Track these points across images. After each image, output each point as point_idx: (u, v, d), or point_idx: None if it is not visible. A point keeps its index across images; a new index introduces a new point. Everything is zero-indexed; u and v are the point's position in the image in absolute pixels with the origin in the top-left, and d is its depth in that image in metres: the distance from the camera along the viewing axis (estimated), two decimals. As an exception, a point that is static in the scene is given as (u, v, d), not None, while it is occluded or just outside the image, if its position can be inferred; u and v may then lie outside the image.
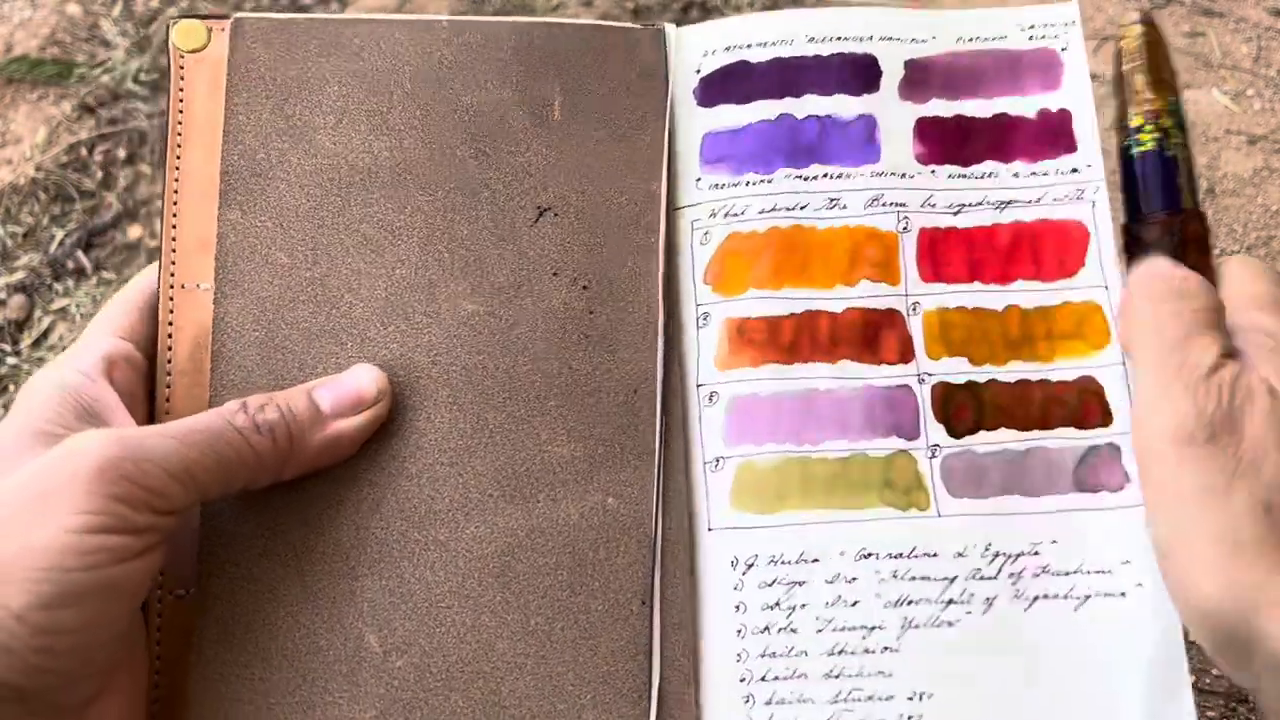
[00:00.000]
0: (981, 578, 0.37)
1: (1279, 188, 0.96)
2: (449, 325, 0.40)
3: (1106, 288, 0.40)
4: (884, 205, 0.41)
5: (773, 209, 0.41)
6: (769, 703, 0.37)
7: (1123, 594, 0.37)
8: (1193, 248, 0.39)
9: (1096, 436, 0.38)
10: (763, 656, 0.37)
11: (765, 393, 0.40)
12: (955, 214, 0.41)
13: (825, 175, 0.41)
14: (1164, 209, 0.39)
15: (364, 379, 0.38)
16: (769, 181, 0.41)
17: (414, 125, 0.42)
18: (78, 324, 0.94)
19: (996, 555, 0.37)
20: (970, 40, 0.42)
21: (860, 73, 0.42)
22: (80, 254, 1.01)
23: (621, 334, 0.40)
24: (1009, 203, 0.41)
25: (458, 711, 0.36)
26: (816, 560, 0.38)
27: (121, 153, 1.09)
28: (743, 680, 0.37)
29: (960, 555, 0.37)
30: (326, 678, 0.36)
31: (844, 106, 0.42)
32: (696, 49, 0.43)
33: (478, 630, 0.37)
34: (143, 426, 0.34)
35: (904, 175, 0.41)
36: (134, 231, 1.03)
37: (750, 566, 0.38)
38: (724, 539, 0.38)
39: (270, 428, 0.35)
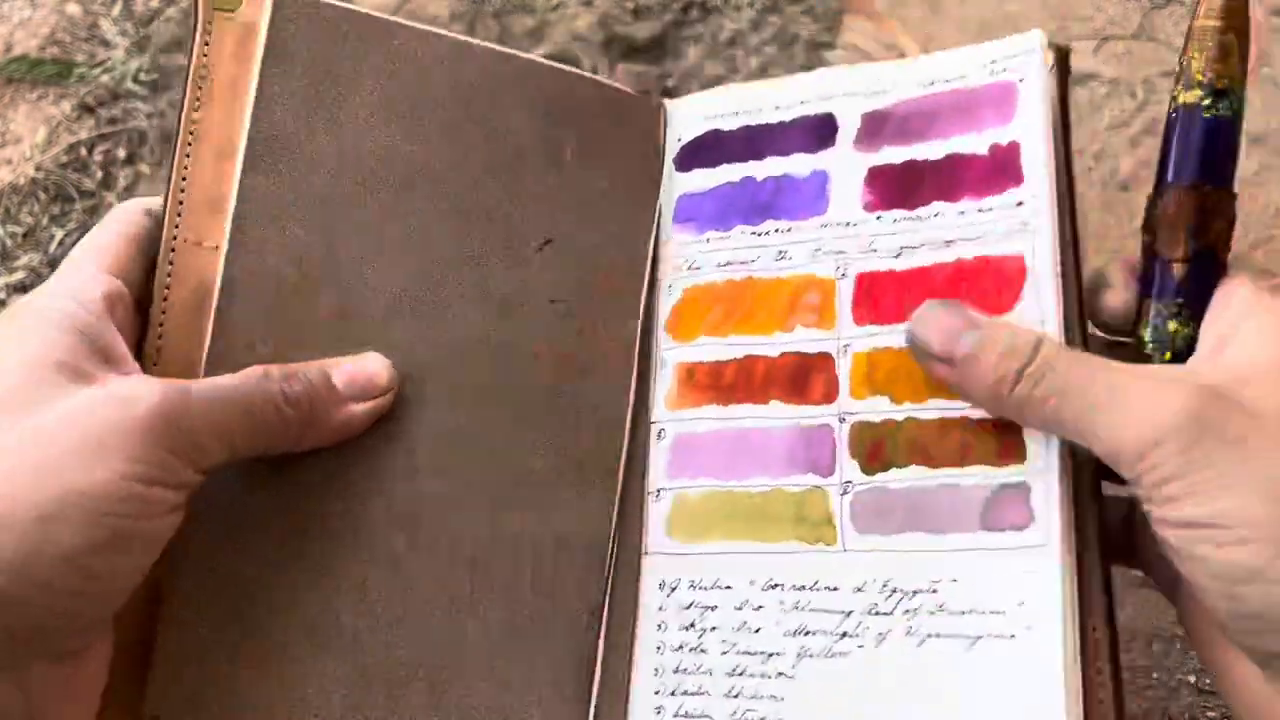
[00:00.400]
0: (877, 613, 0.38)
1: None
2: (451, 330, 0.41)
3: (1043, 323, 0.39)
4: (825, 254, 0.43)
5: (728, 263, 0.45)
6: (676, 715, 0.40)
7: (1012, 636, 0.37)
8: (1223, 229, 0.38)
9: (1009, 475, 0.39)
10: (675, 672, 0.41)
11: (703, 430, 0.43)
12: (896, 256, 0.42)
13: (776, 230, 0.44)
14: (1204, 180, 0.38)
15: (378, 366, 0.40)
16: (726, 238, 0.45)
17: (440, 136, 0.43)
18: (77, 324, 0.94)
19: (894, 591, 0.38)
20: (930, 84, 0.43)
21: (816, 131, 0.44)
22: (80, 254, 1.01)
23: (601, 367, 0.44)
24: (953, 241, 0.42)
25: (419, 695, 0.38)
26: (729, 587, 0.41)
27: (121, 153, 1.09)
28: (657, 693, 0.41)
29: (859, 590, 0.39)
30: (298, 646, 0.37)
31: (800, 165, 0.44)
32: (682, 120, 0.47)
33: (447, 623, 0.39)
34: (184, 381, 0.35)
35: (849, 224, 0.43)
36: (134, 231, 1.03)
37: (674, 589, 0.42)
38: (656, 563, 0.42)
39: (297, 400, 0.37)
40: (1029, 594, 0.37)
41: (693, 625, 0.41)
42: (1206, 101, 0.40)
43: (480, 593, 0.40)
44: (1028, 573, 0.37)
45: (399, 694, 0.38)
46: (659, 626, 0.41)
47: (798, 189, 0.44)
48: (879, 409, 0.41)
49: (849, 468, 0.40)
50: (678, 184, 0.47)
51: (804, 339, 0.43)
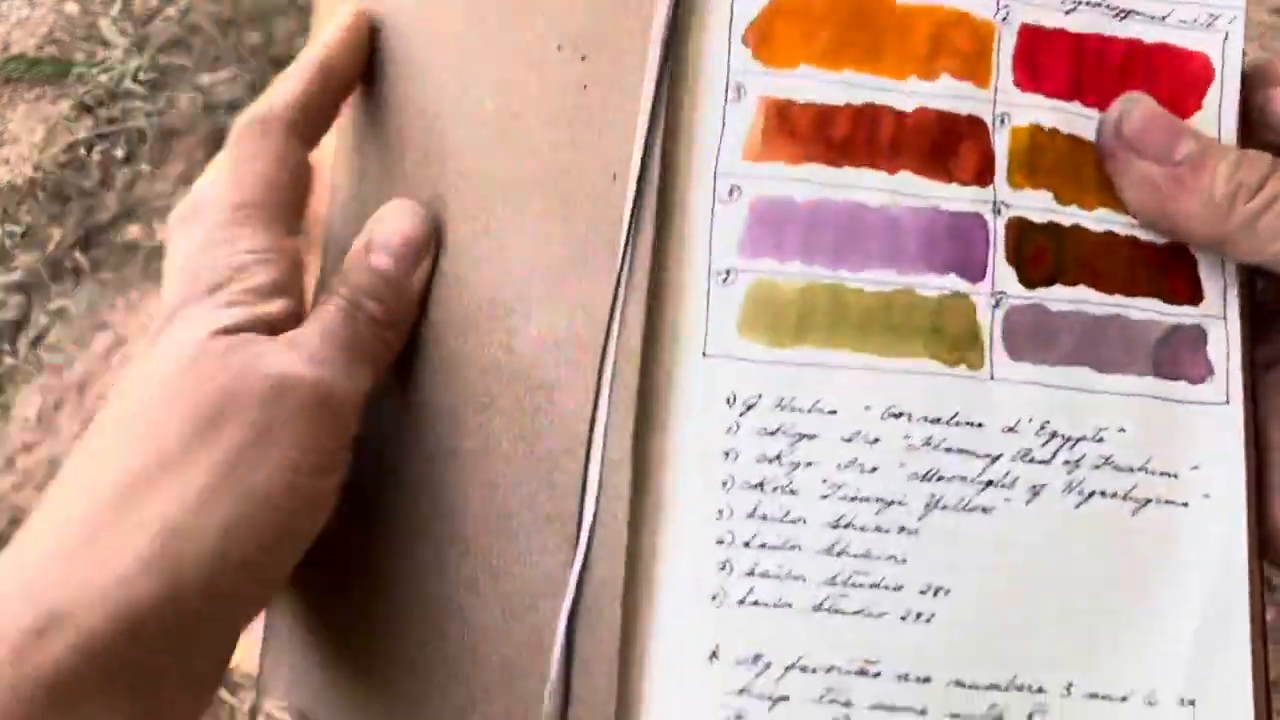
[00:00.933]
0: (1032, 460, 0.31)
1: (1282, 188, 0.95)
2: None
3: (1219, 139, 0.33)
4: None
5: None
6: (750, 573, 0.30)
7: (1185, 504, 0.31)
8: None
9: (1182, 314, 0.32)
10: (750, 517, 0.31)
11: (802, 197, 0.31)
12: (1068, 12, 0.33)
13: None
14: None
15: (407, 220, 0.34)
16: None
17: None
18: (76, 324, 0.93)
19: (1054, 436, 0.31)
20: None
21: None
22: (79, 254, 1.01)
23: (615, 107, 0.33)
24: (1130, 12, 0.33)
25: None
26: (834, 412, 0.31)
27: (120, 152, 1.09)
28: (721, 542, 0.30)
29: (1010, 430, 0.31)
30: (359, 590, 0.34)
31: None
32: None
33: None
34: (307, 346, 0.31)
35: None
36: (133, 231, 1.02)
37: (750, 408, 0.31)
38: (722, 369, 0.31)
39: (390, 321, 0.33)
40: (1206, 457, 0.31)
41: (779, 457, 0.30)
42: None
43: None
44: (1206, 433, 0.31)
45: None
46: (726, 455, 0.30)
47: None
48: (1043, 205, 0.32)
49: (1004, 275, 0.32)
50: None
51: (951, 92, 0.32)
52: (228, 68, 1.16)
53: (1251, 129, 0.34)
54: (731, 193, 0.32)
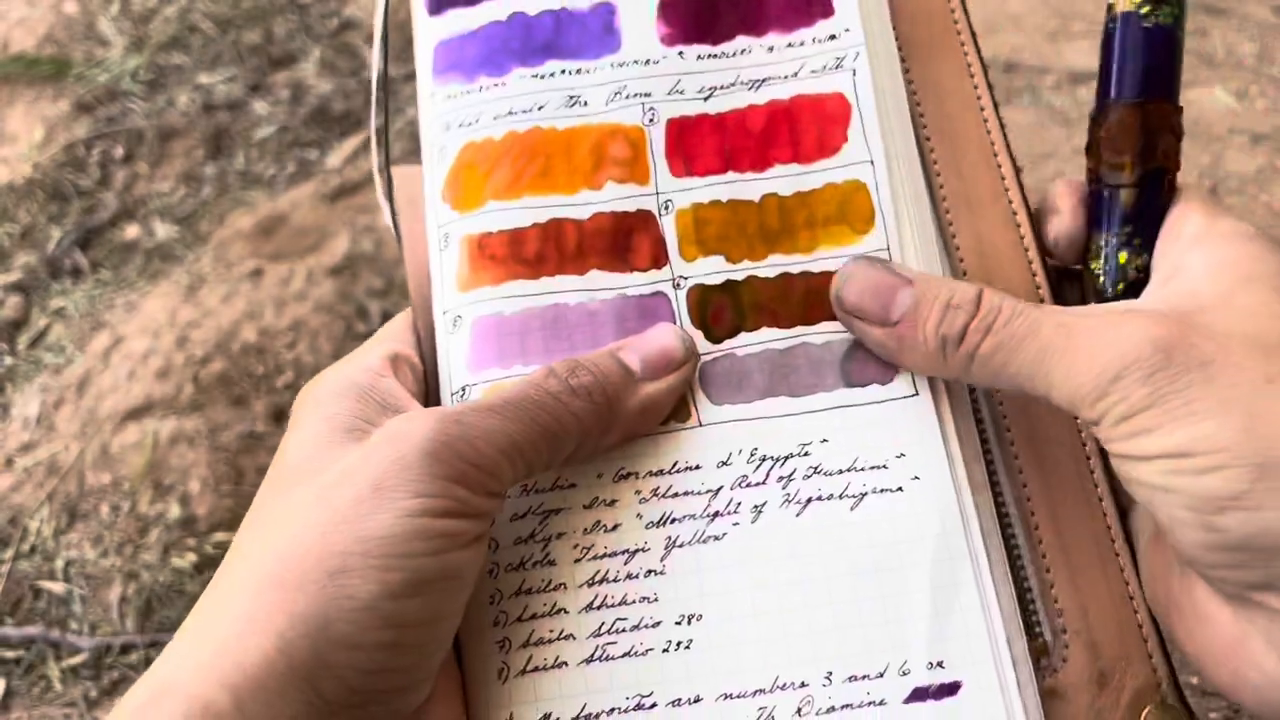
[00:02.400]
0: (749, 485, 0.34)
1: (1282, 187, 0.95)
2: None
3: (872, 163, 0.37)
4: (627, 98, 0.38)
5: (508, 113, 0.38)
6: (526, 645, 0.33)
7: (899, 489, 0.34)
8: (1171, 145, 0.35)
9: None
10: (518, 595, 0.34)
11: (510, 311, 0.36)
12: (706, 99, 0.38)
13: (563, 71, 0.38)
14: (1147, 95, 0.35)
15: (669, 337, 0.35)
16: (502, 85, 0.38)
17: None
18: (75, 324, 0.93)
19: (764, 459, 0.35)
20: None
21: None
22: (78, 253, 1.01)
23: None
24: (764, 80, 0.38)
25: None
26: (573, 485, 0.35)
27: (119, 151, 1.09)
28: (496, 624, 0.34)
29: (724, 464, 0.35)
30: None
31: None
32: None
33: None
34: (460, 406, 0.32)
35: (648, 62, 0.38)
36: (131, 231, 1.02)
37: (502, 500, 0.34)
38: None
39: (587, 391, 0.33)
40: (908, 445, 0.34)
41: (533, 536, 0.34)
42: (1145, 9, 0.35)
43: None
44: (903, 424, 0.35)
45: None
46: (489, 546, 0.34)
47: (581, 24, 0.38)
48: (716, 270, 0.36)
49: (693, 338, 0.36)
50: (434, 30, 0.39)
51: (618, 196, 0.37)
52: (226, 67, 1.16)
53: (1049, 255, 0.37)
54: (454, 323, 0.36)
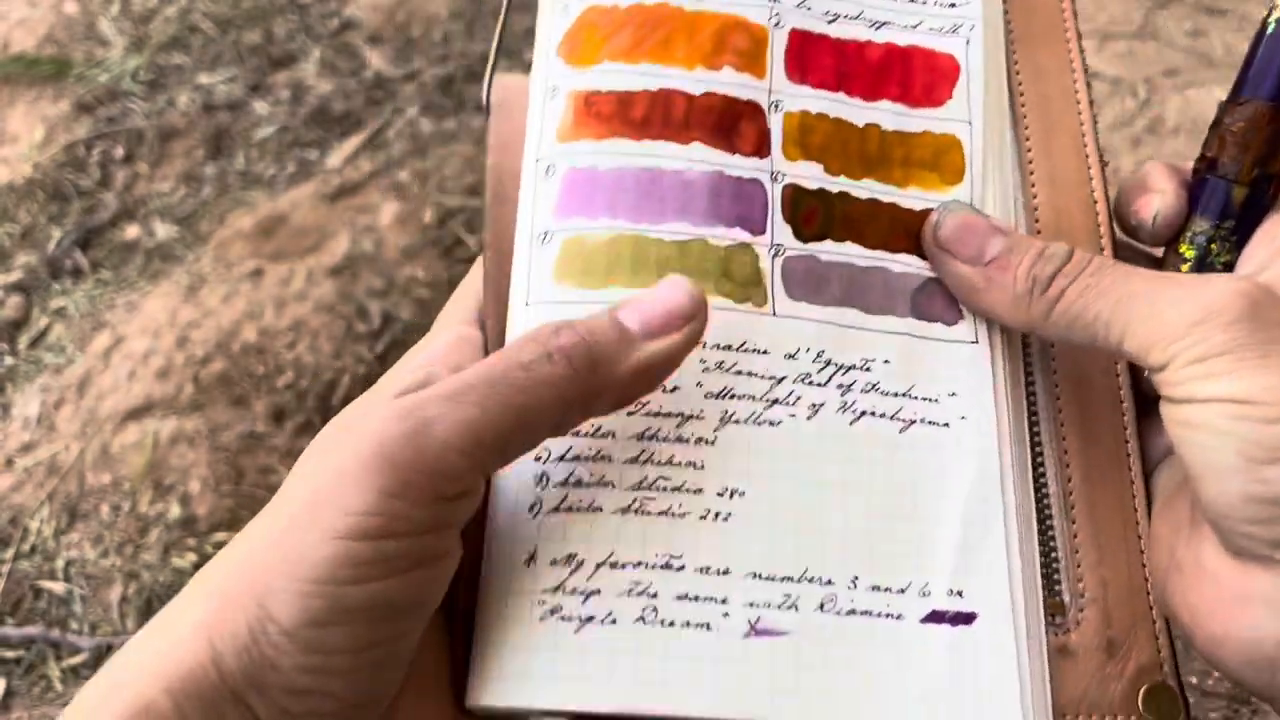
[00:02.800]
0: (810, 383, 0.35)
1: (1281, 187, 0.96)
2: None
3: (970, 123, 0.39)
4: None
5: None
6: (564, 483, 0.33)
7: (946, 424, 0.36)
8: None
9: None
10: (565, 437, 0.34)
11: (606, 166, 0.36)
12: (830, 22, 0.39)
13: None
14: (1271, 97, 0.36)
15: (675, 292, 0.32)
16: None
17: None
18: (75, 324, 0.93)
19: (828, 363, 0.36)
20: None
21: None
22: (78, 253, 1.01)
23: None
24: (885, 23, 0.39)
25: None
26: None
27: (119, 152, 1.09)
28: (538, 459, 0.33)
29: (791, 357, 0.35)
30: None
31: None
32: None
33: None
34: (418, 391, 0.29)
35: None
36: (132, 231, 1.02)
37: None
38: (541, 313, 0.35)
39: (565, 355, 0.29)
40: (962, 386, 0.36)
41: None
42: None
43: None
44: (960, 366, 0.36)
45: None
46: None
47: None
48: (813, 175, 0.37)
49: (781, 230, 0.37)
50: None
51: (732, 82, 0.37)
52: (227, 67, 1.16)
53: (1129, 234, 0.39)
54: (548, 171, 0.37)
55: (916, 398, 0.36)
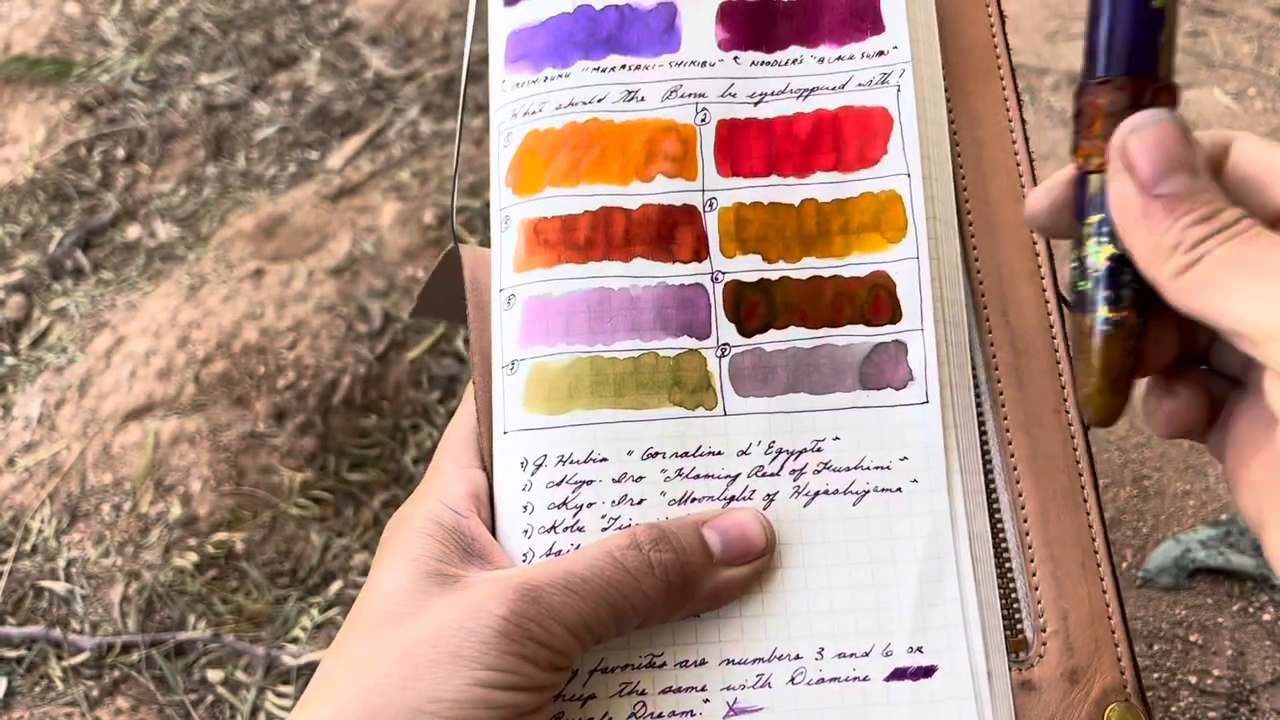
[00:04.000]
0: (764, 474, 0.38)
1: (1280, 187, 0.96)
2: None
3: (908, 175, 0.39)
4: (682, 96, 0.40)
5: (570, 104, 0.40)
6: None
7: (899, 489, 0.37)
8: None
9: (884, 334, 0.38)
10: (549, 555, 0.37)
11: (559, 293, 0.39)
12: (756, 104, 0.40)
13: (623, 66, 0.40)
14: (1132, 71, 0.32)
15: (754, 526, 0.37)
16: (566, 76, 0.40)
17: None
18: (76, 324, 0.94)
19: (780, 452, 0.38)
20: None
21: None
22: (79, 253, 1.01)
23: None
24: (813, 90, 0.40)
25: None
26: (605, 459, 0.38)
27: (120, 152, 1.09)
28: None
29: (744, 453, 0.38)
30: None
31: None
32: None
33: None
34: (536, 574, 0.34)
35: (704, 64, 0.40)
36: (132, 231, 1.03)
37: (539, 467, 0.38)
38: (517, 441, 0.38)
39: (665, 570, 0.35)
40: (912, 449, 0.37)
41: (565, 504, 0.37)
42: None
43: None
44: (911, 429, 0.38)
45: None
46: (524, 509, 0.37)
47: (644, 22, 0.40)
48: (753, 268, 0.39)
49: (726, 329, 0.38)
50: (505, 20, 0.41)
51: (666, 190, 0.39)
52: (228, 68, 1.16)
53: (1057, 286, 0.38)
54: (509, 301, 0.39)
55: (868, 468, 0.38)
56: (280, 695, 0.70)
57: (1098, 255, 0.32)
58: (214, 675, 0.71)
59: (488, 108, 0.43)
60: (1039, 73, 1.05)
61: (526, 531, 0.37)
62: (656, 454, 0.38)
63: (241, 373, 0.85)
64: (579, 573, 0.34)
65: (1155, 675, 0.63)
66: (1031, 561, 0.37)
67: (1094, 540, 0.37)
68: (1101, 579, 0.37)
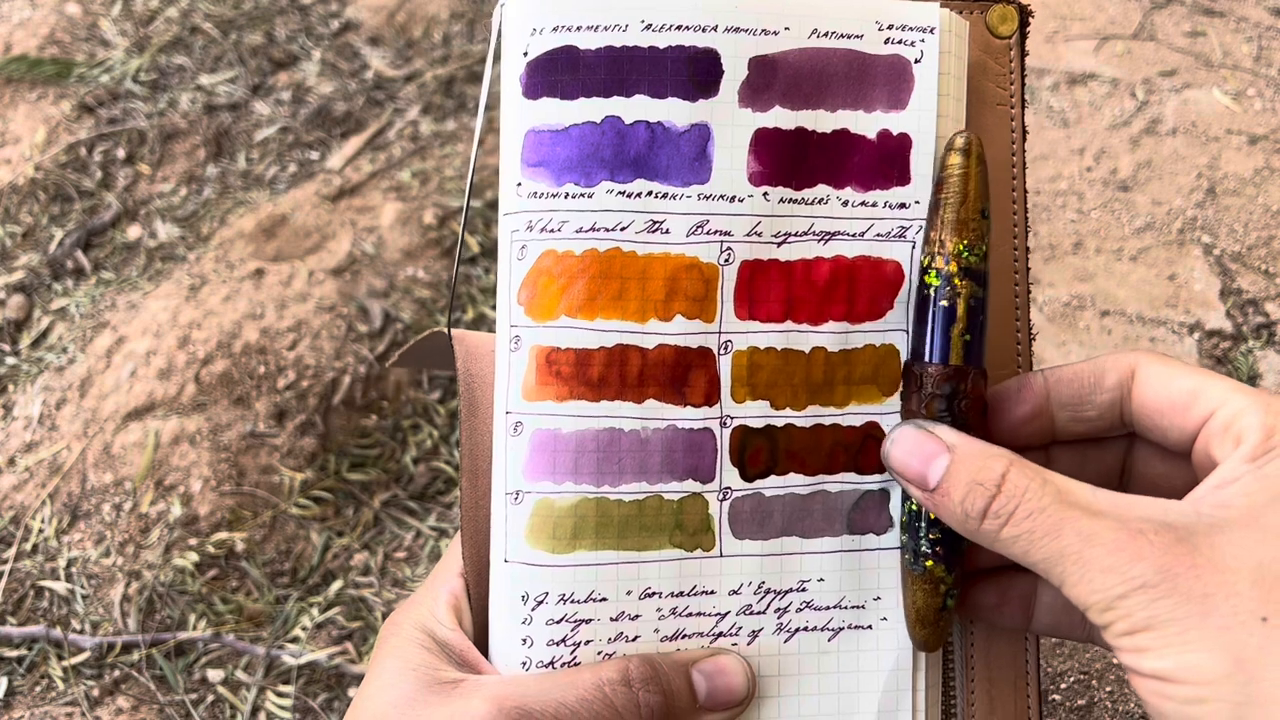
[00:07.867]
0: (751, 613, 0.40)
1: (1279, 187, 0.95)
2: None
3: (907, 332, 0.40)
4: (708, 233, 0.39)
5: (591, 228, 0.38)
6: None
7: (870, 626, 0.40)
8: (973, 408, 0.37)
9: (871, 482, 0.40)
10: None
11: (569, 430, 0.39)
12: (779, 244, 0.39)
13: (650, 194, 0.39)
14: (937, 360, 0.38)
15: (739, 679, 0.39)
16: (589, 196, 0.38)
17: None
18: (77, 324, 0.94)
19: (768, 592, 0.40)
20: (824, 35, 0.39)
21: (700, 71, 0.38)
22: (79, 254, 1.01)
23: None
24: (834, 234, 0.40)
25: None
26: (604, 599, 0.39)
27: (121, 152, 1.09)
28: None
29: (734, 593, 0.40)
30: None
31: (677, 113, 0.38)
32: (524, 27, 0.38)
33: None
34: (530, 697, 0.36)
35: (733, 199, 0.39)
36: (133, 231, 1.03)
37: (540, 603, 0.39)
38: (518, 573, 0.39)
39: (651, 712, 0.37)
40: (885, 589, 0.40)
41: (564, 640, 0.38)
42: (940, 283, 0.38)
43: None
44: (886, 570, 0.40)
45: None
46: (524, 642, 0.38)
47: (675, 145, 0.38)
48: (760, 414, 0.40)
49: (729, 473, 0.39)
50: (526, 115, 0.39)
51: (683, 331, 0.39)
52: (228, 68, 1.17)
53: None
54: (516, 428, 0.39)
55: (846, 606, 0.40)
56: (280, 695, 0.70)
57: (905, 507, 0.39)
58: (214, 675, 0.71)
59: (489, 107, 0.42)
60: (1039, 73, 1.05)
61: (525, 664, 0.38)
62: (654, 594, 0.39)
63: (242, 373, 0.85)
64: (570, 704, 0.36)
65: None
66: (972, 681, 0.41)
67: (1027, 665, 0.41)
68: (1029, 698, 0.41)
